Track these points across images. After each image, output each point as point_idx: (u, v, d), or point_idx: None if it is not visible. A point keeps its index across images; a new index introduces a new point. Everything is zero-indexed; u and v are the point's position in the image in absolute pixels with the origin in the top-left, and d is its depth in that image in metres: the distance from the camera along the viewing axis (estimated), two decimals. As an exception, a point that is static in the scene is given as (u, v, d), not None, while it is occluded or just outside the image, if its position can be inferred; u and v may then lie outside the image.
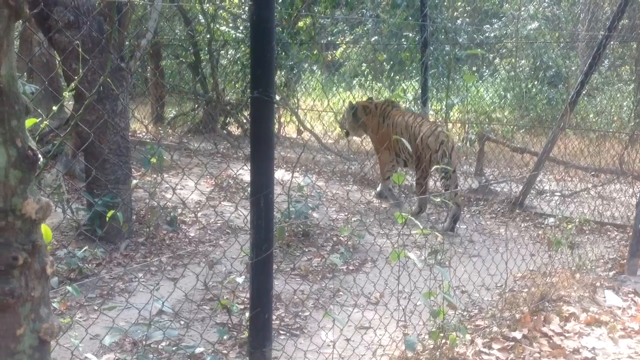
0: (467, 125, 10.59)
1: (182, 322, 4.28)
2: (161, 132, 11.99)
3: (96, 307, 4.56)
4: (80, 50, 3.58)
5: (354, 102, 8.59)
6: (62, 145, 6.77)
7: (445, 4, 13.06)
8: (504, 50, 14.83)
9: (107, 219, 3.43)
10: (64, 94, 2.55)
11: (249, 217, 2.81)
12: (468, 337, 4.06)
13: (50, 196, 5.76)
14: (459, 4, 13.74)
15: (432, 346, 3.89)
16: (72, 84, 2.39)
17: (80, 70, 3.63)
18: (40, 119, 2.31)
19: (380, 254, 5.64)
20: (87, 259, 5.25)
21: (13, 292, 1.24)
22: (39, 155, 1.26)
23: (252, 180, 2.77)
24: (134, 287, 4.93)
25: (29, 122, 2.16)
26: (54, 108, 2.37)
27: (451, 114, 10.97)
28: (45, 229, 1.41)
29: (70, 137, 6.18)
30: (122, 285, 5.05)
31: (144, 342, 3.79)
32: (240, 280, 3.93)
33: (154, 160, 5.43)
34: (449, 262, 5.15)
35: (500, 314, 4.53)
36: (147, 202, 7.06)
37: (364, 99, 8.95)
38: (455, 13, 13.89)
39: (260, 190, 2.76)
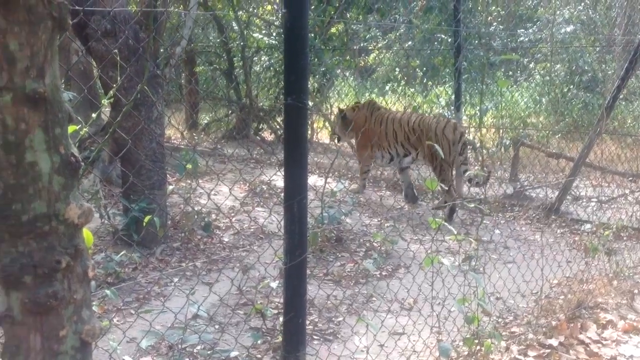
0: (501, 131, 10.49)
1: (216, 326, 4.32)
2: (195, 138, 12.12)
3: (133, 311, 4.62)
4: (118, 58, 3.65)
5: (342, 108, 8.99)
6: (99, 151, 6.90)
7: (479, 8, 12.98)
8: (538, 55, 14.67)
9: (144, 224, 3.49)
10: (102, 102, 2.61)
11: (282, 223, 2.83)
12: (503, 344, 4.03)
13: (88, 202, 5.86)
14: (493, 8, 13.65)
15: (466, 353, 3.86)
16: (111, 92, 2.44)
17: (118, 78, 3.70)
18: (80, 125, 2.36)
19: (413, 259, 5.62)
20: (123, 264, 5.34)
21: (56, 294, 1.27)
22: (81, 162, 1.29)
23: (286, 186, 2.80)
24: (170, 291, 4.99)
25: (70, 129, 2.22)
26: (93, 115, 2.43)
27: (485, 119, 10.89)
28: (86, 233, 1.44)
29: (107, 143, 6.29)
30: (158, 290, 5.12)
31: (179, 346, 3.84)
32: (274, 285, 3.95)
33: (189, 166, 5.49)
34: (484, 269, 5.11)
35: (536, 321, 4.48)
36: (182, 208, 7.15)
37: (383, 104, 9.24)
38: (490, 17, 13.80)
39: (294, 196, 2.78)
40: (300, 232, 2.82)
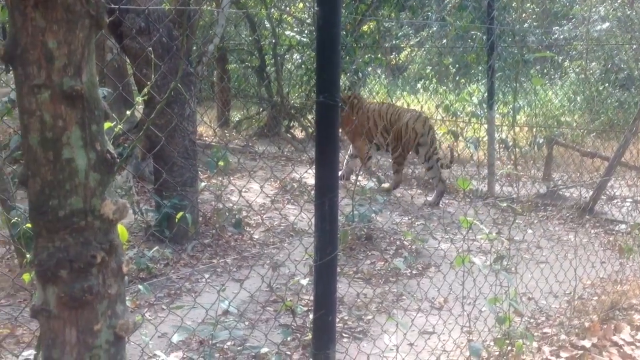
0: (534, 129, 10.36)
1: (246, 323, 4.35)
2: (227, 135, 12.20)
3: (164, 307, 4.67)
4: (152, 56, 3.70)
5: None
6: (133, 148, 6.98)
7: (513, 4, 12.83)
8: (573, 53, 14.45)
9: (177, 220, 3.52)
10: (136, 99, 2.64)
11: (312, 220, 2.83)
12: (535, 344, 3.98)
13: (121, 198, 5.94)
14: (528, 5, 13.47)
15: (497, 353, 3.83)
16: (145, 89, 2.47)
17: (153, 76, 3.74)
18: (115, 122, 2.39)
19: (444, 258, 5.59)
20: (155, 259, 5.40)
21: (91, 289, 1.29)
22: (117, 158, 1.31)
23: (317, 184, 2.79)
24: (200, 287, 5.03)
25: (105, 126, 2.25)
26: (127, 112, 2.45)
27: (518, 117, 10.77)
28: (121, 229, 1.46)
29: (140, 140, 6.36)
30: (189, 286, 5.16)
31: (210, 342, 3.87)
32: (304, 282, 3.96)
33: (221, 163, 5.53)
34: (516, 268, 5.06)
35: (569, 322, 4.42)
36: (213, 204, 7.20)
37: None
38: (524, 14, 13.63)
39: (325, 194, 2.78)
40: (331, 230, 2.82)
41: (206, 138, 11.67)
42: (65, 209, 1.27)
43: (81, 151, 1.27)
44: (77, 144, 1.26)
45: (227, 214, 6.53)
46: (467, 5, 10.02)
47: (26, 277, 2.61)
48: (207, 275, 5.36)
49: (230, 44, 12.87)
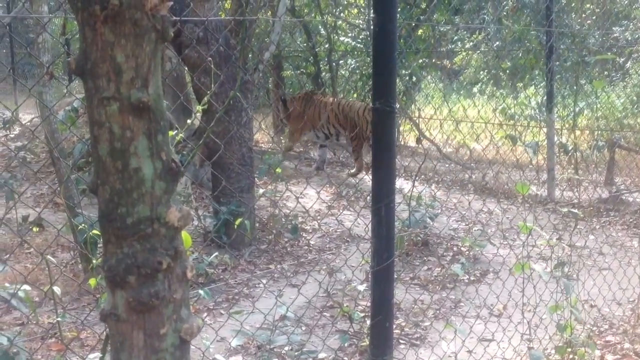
0: (596, 133, 10.10)
1: (304, 328, 4.38)
2: (283, 141, 12.28)
3: (222, 311, 4.75)
4: (211, 65, 3.78)
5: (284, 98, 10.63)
6: (193, 156, 7.12)
7: (572, 5, 12.54)
8: (635, 55, 14.02)
9: (235, 226, 3.58)
10: (197, 108, 2.69)
11: (369, 226, 2.83)
12: (597, 353, 3.89)
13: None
14: (588, 6, 13.14)
15: (558, 361, 3.76)
16: (205, 98, 2.52)
17: (212, 85, 3.82)
18: (176, 131, 2.45)
19: (503, 264, 5.50)
20: (213, 265, 5.48)
21: (158, 294, 1.33)
22: (181, 167, 1.35)
23: (374, 190, 2.80)
24: (258, 292, 5.09)
25: (167, 135, 2.31)
26: (188, 121, 2.52)
27: (579, 120, 10.51)
28: (185, 235, 1.51)
29: (199, 148, 6.47)
30: (247, 291, 5.23)
31: (268, 346, 3.91)
32: (361, 288, 3.96)
33: (279, 170, 5.59)
34: (577, 275, 4.94)
35: (633, 330, 4.30)
36: (270, 210, 7.27)
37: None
38: (584, 15, 13.31)
39: (382, 199, 2.78)
40: (388, 235, 2.82)
41: (263, 145, 11.80)
42: (132, 216, 1.31)
43: (148, 161, 1.31)
44: (144, 154, 1.31)
45: (283, 220, 6.58)
46: (526, 7, 9.85)
47: (92, 281, 2.70)
48: (264, 281, 5.42)
49: (285, 51, 12.97)
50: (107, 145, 1.30)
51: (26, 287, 2.88)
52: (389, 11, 2.69)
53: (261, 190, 6.08)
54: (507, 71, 12.31)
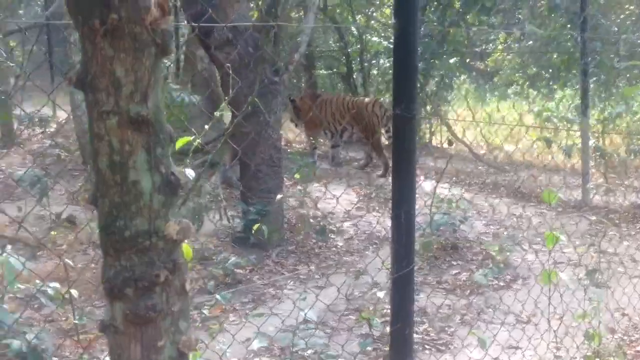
0: (632, 137, 9.87)
1: (327, 331, 4.36)
2: (313, 142, 12.28)
3: (248, 312, 4.76)
4: (232, 69, 3.80)
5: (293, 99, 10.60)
6: (221, 155, 7.17)
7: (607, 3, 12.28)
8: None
9: (257, 228, 3.58)
10: (221, 106, 2.70)
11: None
12: (626, 363, 3.80)
13: (208, 204, 6.10)
14: (627, 6, 12.86)
15: (585, 371, 3.69)
16: (223, 104, 2.53)
17: (237, 85, 3.84)
18: (194, 137, 2.46)
19: (530, 271, 5.42)
20: (240, 265, 5.50)
21: (155, 306, 1.34)
22: (181, 180, 1.35)
23: (394, 196, 2.77)
24: (285, 293, 5.09)
25: (181, 142, 2.32)
26: (206, 126, 2.53)
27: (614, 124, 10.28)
28: (186, 248, 1.51)
29: (227, 148, 6.51)
30: (274, 292, 5.24)
31: (291, 349, 3.91)
32: (380, 295, 3.94)
33: (308, 172, 5.58)
34: (607, 283, 4.84)
35: (664, 341, 4.20)
36: (299, 211, 7.26)
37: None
38: (622, 15, 13.03)
39: (401, 206, 2.75)
40: (407, 242, 2.79)
41: (294, 145, 11.82)
42: (130, 229, 1.32)
43: (146, 174, 1.32)
44: (142, 167, 1.31)
45: (311, 221, 6.58)
46: (559, 7, 9.66)
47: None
48: (291, 282, 5.42)
49: (317, 51, 12.97)
50: (107, 158, 1.31)
51: (56, 284, 2.94)
52: (410, 16, 2.64)
53: (290, 191, 6.07)
54: (543, 72, 12.12)
